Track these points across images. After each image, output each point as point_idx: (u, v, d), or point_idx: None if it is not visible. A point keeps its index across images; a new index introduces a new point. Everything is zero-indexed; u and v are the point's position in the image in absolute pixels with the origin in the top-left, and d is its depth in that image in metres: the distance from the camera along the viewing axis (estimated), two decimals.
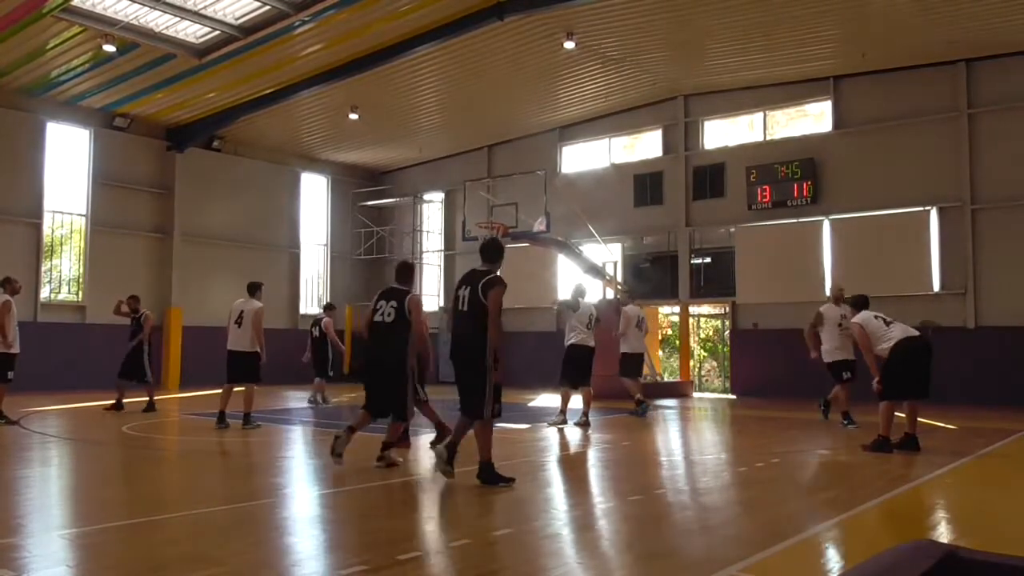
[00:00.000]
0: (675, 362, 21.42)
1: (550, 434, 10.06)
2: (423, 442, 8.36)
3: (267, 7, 14.37)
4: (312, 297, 23.80)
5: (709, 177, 19.06)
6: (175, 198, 20.13)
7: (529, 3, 14.12)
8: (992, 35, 14.95)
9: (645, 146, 20.75)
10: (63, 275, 19.24)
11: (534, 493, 6.12)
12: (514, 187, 19.51)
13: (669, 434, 11.05)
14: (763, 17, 14.64)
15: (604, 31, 15.57)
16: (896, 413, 8.14)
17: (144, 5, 14.08)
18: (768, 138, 18.73)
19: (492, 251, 6.42)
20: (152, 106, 18.77)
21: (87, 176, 18.99)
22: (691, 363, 20.33)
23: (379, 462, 6.93)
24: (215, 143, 21.02)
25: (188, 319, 19.77)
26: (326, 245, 24.18)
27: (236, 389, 10.35)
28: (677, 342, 21.27)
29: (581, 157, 21.57)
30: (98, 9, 14.18)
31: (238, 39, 15.32)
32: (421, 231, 24.28)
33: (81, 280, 18.94)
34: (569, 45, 15.63)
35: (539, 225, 17.61)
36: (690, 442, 10.49)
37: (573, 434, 10.08)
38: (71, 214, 18.95)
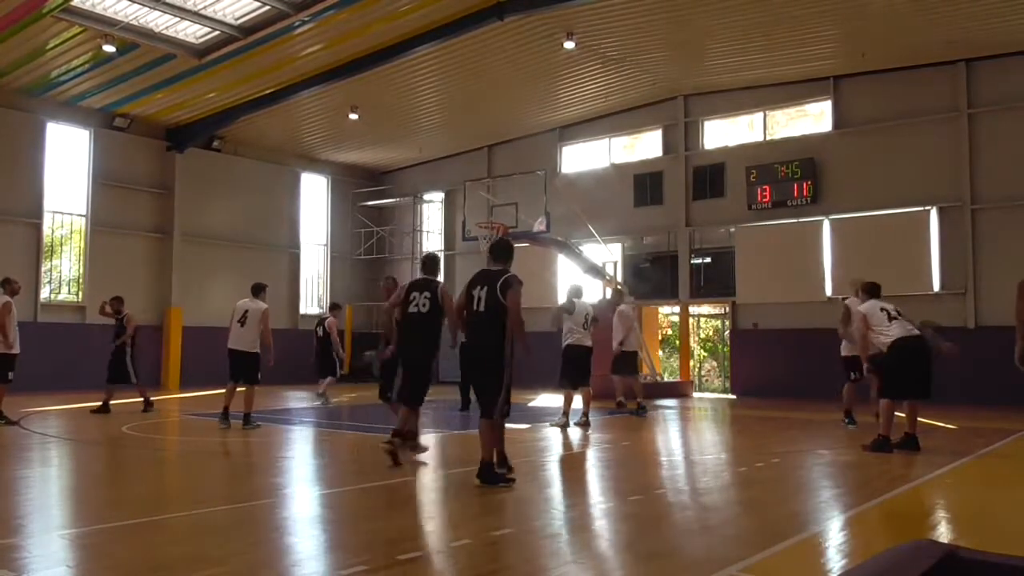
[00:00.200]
0: (675, 362, 21.41)
1: (550, 434, 10.07)
2: (430, 441, 8.35)
3: (267, 7, 14.37)
4: (312, 297, 23.80)
5: (709, 177, 19.06)
6: (175, 198, 20.13)
7: (529, 3, 14.12)
8: (991, 35, 14.96)
9: (645, 146, 20.74)
10: (63, 275, 19.23)
11: (534, 493, 6.12)
12: (514, 187, 19.47)
13: (669, 434, 11.06)
14: (763, 17, 14.64)
15: (604, 31, 15.58)
16: (896, 413, 8.15)
17: (144, 5, 14.08)
18: (768, 138, 18.73)
19: (503, 250, 6.48)
20: (152, 106, 18.77)
21: (87, 176, 18.98)
22: (691, 363, 20.32)
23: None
24: (215, 143, 21.02)
25: (188, 319, 19.77)
26: (326, 245, 24.17)
27: (239, 389, 10.36)
28: (677, 342, 21.27)
29: (581, 157, 21.57)
30: (98, 9, 14.17)
31: (238, 39, 15.32)
32: (421, 231, 24.29)
33: (81, 280, 18.93)
34: (569, 45, 15.63)
35: (539, 225, 17.59)
36: (690, 442, 10.50)
37: (573, 434, 10.08)
38: (71, 214, 18.94)
